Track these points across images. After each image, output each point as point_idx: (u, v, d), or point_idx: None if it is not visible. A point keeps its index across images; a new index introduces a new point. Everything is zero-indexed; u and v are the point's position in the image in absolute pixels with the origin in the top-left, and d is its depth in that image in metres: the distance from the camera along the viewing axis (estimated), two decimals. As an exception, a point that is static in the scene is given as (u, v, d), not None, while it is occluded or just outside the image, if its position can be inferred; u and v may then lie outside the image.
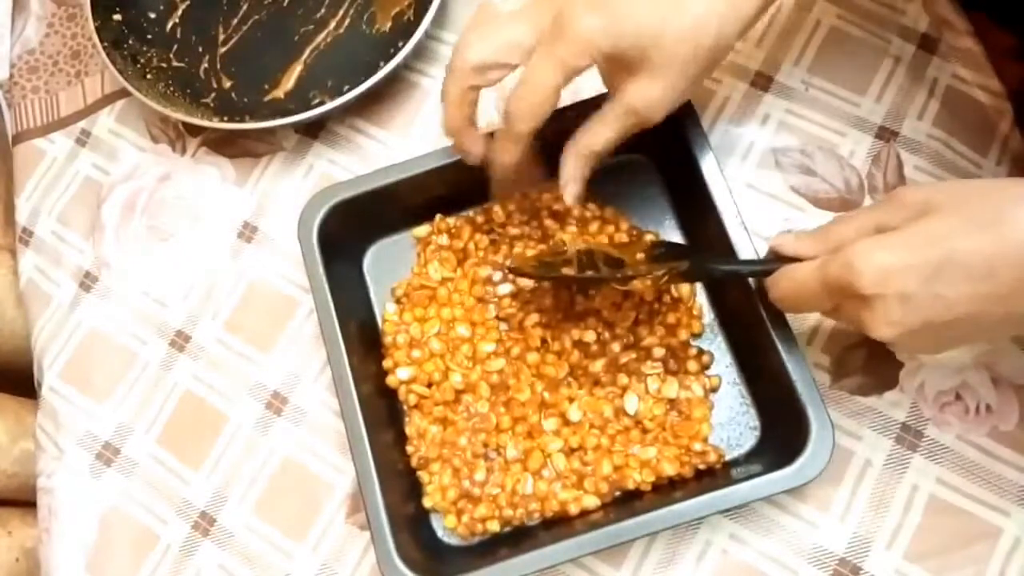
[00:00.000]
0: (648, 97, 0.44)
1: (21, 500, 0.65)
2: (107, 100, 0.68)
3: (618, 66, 0.44)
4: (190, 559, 0.57)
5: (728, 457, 0.51)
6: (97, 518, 0.59)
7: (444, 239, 0.57)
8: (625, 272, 0.47)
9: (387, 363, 0.55)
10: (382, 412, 0.53)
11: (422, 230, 0.58)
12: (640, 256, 0.48)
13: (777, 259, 0.45)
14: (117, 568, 0.58)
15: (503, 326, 0.55)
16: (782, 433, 0.49)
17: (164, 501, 0.58)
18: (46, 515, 0.60)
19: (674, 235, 0.56)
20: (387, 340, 0.55)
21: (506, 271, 0.54)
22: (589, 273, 0.47)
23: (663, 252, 0.49)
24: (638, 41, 0.42)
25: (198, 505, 0.58)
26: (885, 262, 0.37)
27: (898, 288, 0.37)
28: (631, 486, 0.50)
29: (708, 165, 0.50)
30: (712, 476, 0.50)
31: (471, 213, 0.58)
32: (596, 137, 0.46)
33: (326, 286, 0.52)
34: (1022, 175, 0.54)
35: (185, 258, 0.63)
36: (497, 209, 0.56)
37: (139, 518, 0.58)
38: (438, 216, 0.57)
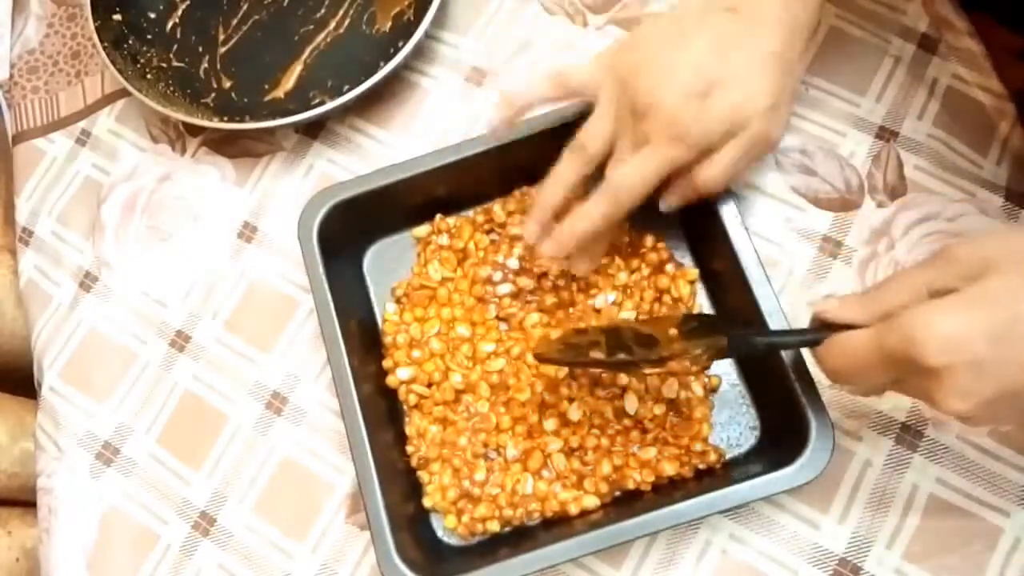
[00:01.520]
0: (779, 125, 0.45)
1: (21, 500, 0.65)
2: (107, 100, 0.68)
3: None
4: (190, 559, 0.57)
5: (728, 457, 0.51)
6: (97, 518, 0.59)
7: (444, 239, 0.57)
8: (659, 352, 0.44)
9: (387, 363, 0.55)
10: (382, 412, 0.53)
11: (422, 230, 0.58)
12: (672, 332, 0.45)
13: (823, 327, 0.41)
14: (117, 568, 0.58)
15: (503, 326, 0.55)
16: (782, 433, 0.49)
17: (164, 501, 0.58)
18: (46, 515, 0.60)
19: (674, 235, 0.56)
20: (387, 340, 0.55)
21: (534, 358, 0.50)
22: (621, 356, 0.45)
23: (696, 327, 0.46)
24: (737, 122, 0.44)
25: (198, 505, 0.58)
26: (949, 329, 0.35)
27: (967, 356, 0.34)
28: (631, 486, 0.50)
29: (708, 165, 0.50)
30: (712, 476, 0.50)
31: (471, 213, 0.58)
32: (731, 167, 0.46)
33: (326, 286, 0.52)
34: (1022, 175, 0.54)
35: (185, 258, 0.63)
36: (497, 209, 0.56)
37: (139, 518, 0.58)
38: (438, 216, 0.57)
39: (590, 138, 0.47)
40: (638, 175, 0.45)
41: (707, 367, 0.47)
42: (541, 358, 0.49)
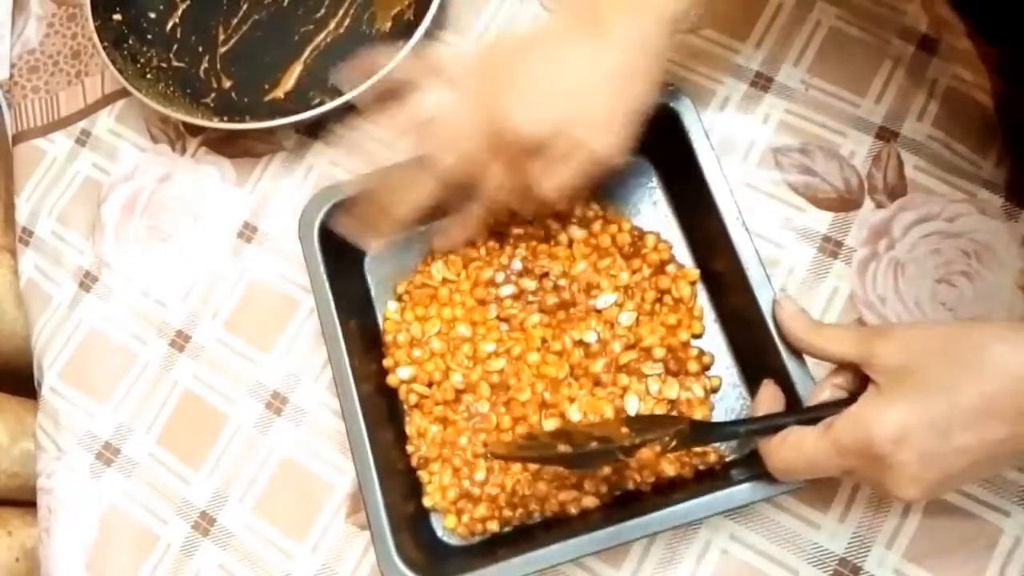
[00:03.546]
0: (606, 141, 0.46)
1: (21, 500, 0.65)
2: (107, 100, 0.68)
3: None
4: (190, 559, 0.57)
5: (728, 458, 0.51)
6: (97, 518, 0.59)
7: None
8: (622, 443, 0.43)
9: (388, 362, 0.55)
10: (382, 411, 0.53)
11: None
12: (624, 431, 0.44)
13: (770, 416, 0.45)
14: (117, 568, 0.58)
15: (504, 326, 0.55)
16: (782, 433, 0.49)
17: (164, 501, 0.58)
18: (46, 515, 0.60)
19: (675, 235, 0.56)
20: (388, 339, 0.55)
21: (492, 456, 0.51)
22: (593, 445, 0.44)
23: (644, 424, 0.45)
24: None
25: (198, 505, 0.58)
26: (898, 424, 0.38)
27: (917, 448, 0.38)
28: (631, 487, 0.50)
29: (708, 165, 0.50)
30: (712, 477, 0.50)
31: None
32: (563, 178, 0.47)
33: (327, 286, 0.52)
34: (1020, 175, 0.54)
35: (185, 258, 0.63)
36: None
37: (139, 518, 0.58)
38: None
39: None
40: (459, 136, 0.47)
41: (675, 450, 0.45)
42: (498, 455, 0.50)
